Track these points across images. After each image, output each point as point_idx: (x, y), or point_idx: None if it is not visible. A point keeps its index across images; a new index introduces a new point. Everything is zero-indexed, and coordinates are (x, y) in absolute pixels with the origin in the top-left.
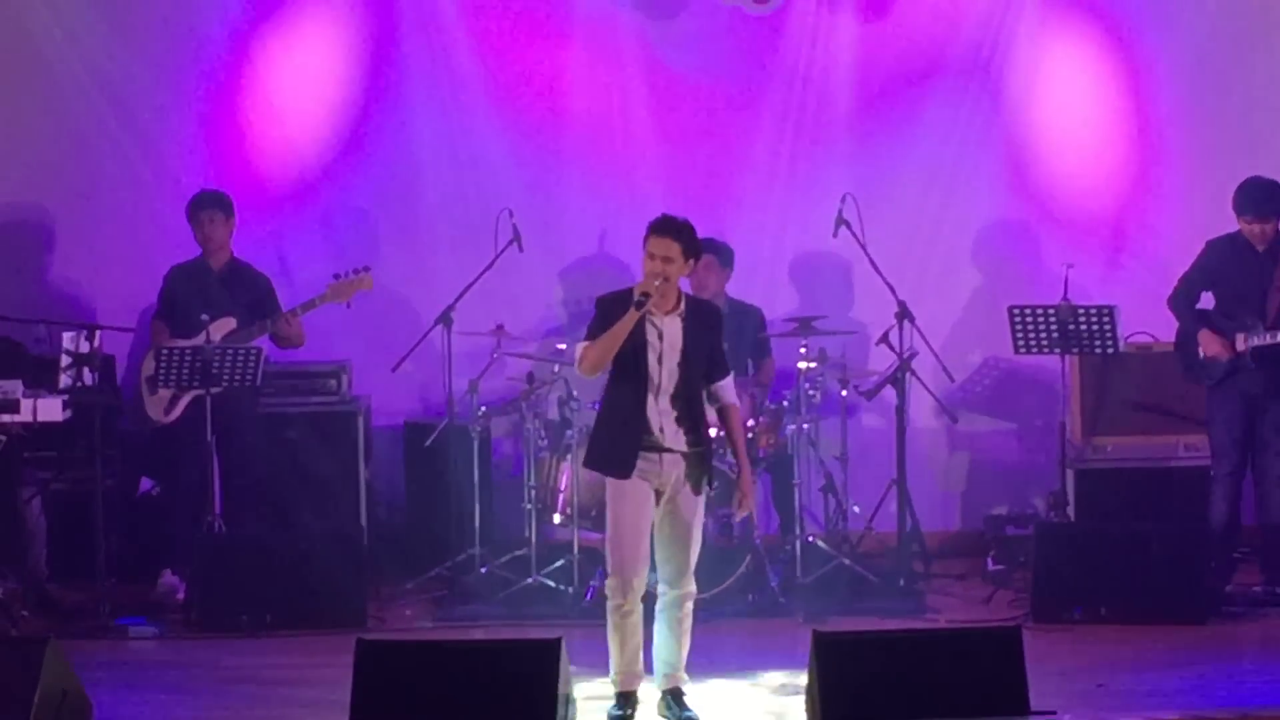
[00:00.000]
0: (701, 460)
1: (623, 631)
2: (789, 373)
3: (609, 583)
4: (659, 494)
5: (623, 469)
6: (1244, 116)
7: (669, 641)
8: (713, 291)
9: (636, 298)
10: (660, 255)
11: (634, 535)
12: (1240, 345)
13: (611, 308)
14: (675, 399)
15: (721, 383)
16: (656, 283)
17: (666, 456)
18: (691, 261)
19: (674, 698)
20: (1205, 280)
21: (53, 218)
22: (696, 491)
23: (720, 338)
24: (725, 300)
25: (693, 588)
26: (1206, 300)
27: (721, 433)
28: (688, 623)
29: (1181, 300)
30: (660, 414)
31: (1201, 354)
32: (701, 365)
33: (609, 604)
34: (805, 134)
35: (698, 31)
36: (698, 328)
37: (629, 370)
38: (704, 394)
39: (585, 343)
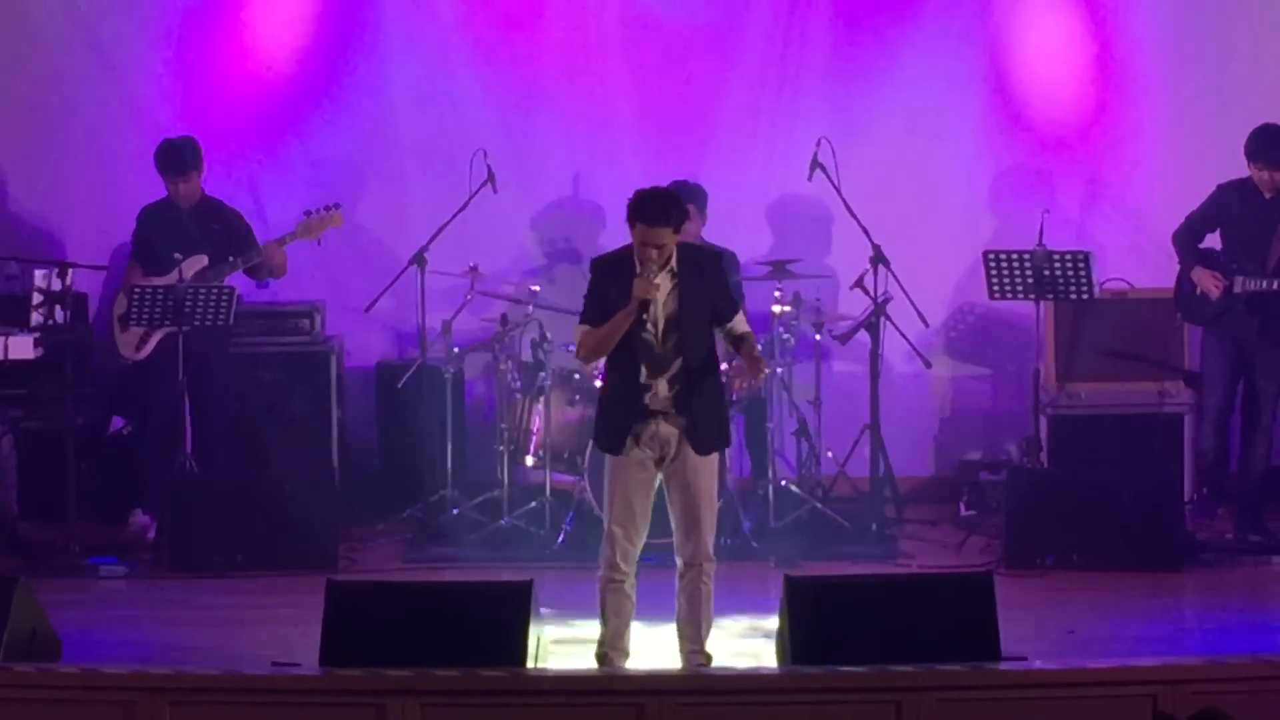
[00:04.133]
0: (705, 419)
1: (608, 604)
2: (763, 316)
3: (601, 551)
4: (661, 460)
5: (613, 447)
6: (1222, 65)
7: (690, 616)
8: (692, 237)
9: (639, 306)
10: (654, 244)
11: (626, 509)
12: (1238, 288)
13: (607, 275)
14: (673, 358)
15: (733, 320)
16: (655, 279)
17: (664, 419)
18: (684, 227)
19: None
20: (1210, 222)
21: (25, 155)
22: (702, 453)
23: (722, 278)
24: (700, 243)
25: (709, 560)
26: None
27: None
28: (707, 596)
29: (1184, 238)
30: (657, 377)
31: (1199, 291)
32: (703, 315)
33: (599, 573)
34: (782, 76)
35: None
36: (692, 277)
37: (622, 343)
38: (718, 337)
39: (583, 328)
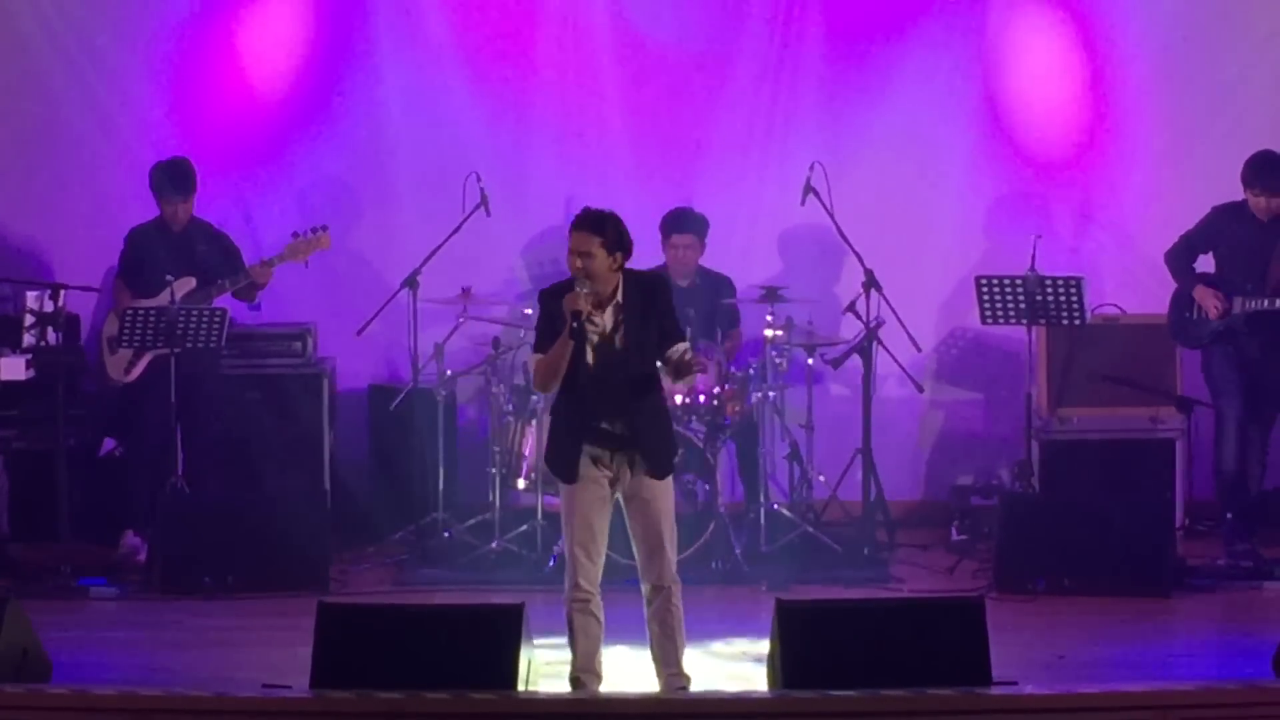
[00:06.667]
0: (657, 444)
1: (577, 625)
2: (755, 341)
3: (565, 573)
4: (617, 483)
5: (567, 475)
6: (1215, 91)
7: (662, 641)
8: (692, 266)
9: (570, 321)
10: (578, 251)
11: (585, 529)
12: (1238, 309)
13: (554, 304)
14: (621, 385)
15: (674, 346)
16: (584, 290)
17: (618, 440)
18: (619, 254)
19: None
20: (1206, 243)
21: (17, 177)
22: (657, 476)
23: (668, 304)
24: (696, 269)
25: (673, 582)
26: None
27: (688, 399)
28: (678, 618)
29: (1178, 258)
30: (607, 405)
31: (1194, 315)
32: (649, 342)
33: (564, 596)
34: (775, 100)
35: None
36: (639, 305)
37: (569, 374)
38: (659, 365)
39: (535, 356)
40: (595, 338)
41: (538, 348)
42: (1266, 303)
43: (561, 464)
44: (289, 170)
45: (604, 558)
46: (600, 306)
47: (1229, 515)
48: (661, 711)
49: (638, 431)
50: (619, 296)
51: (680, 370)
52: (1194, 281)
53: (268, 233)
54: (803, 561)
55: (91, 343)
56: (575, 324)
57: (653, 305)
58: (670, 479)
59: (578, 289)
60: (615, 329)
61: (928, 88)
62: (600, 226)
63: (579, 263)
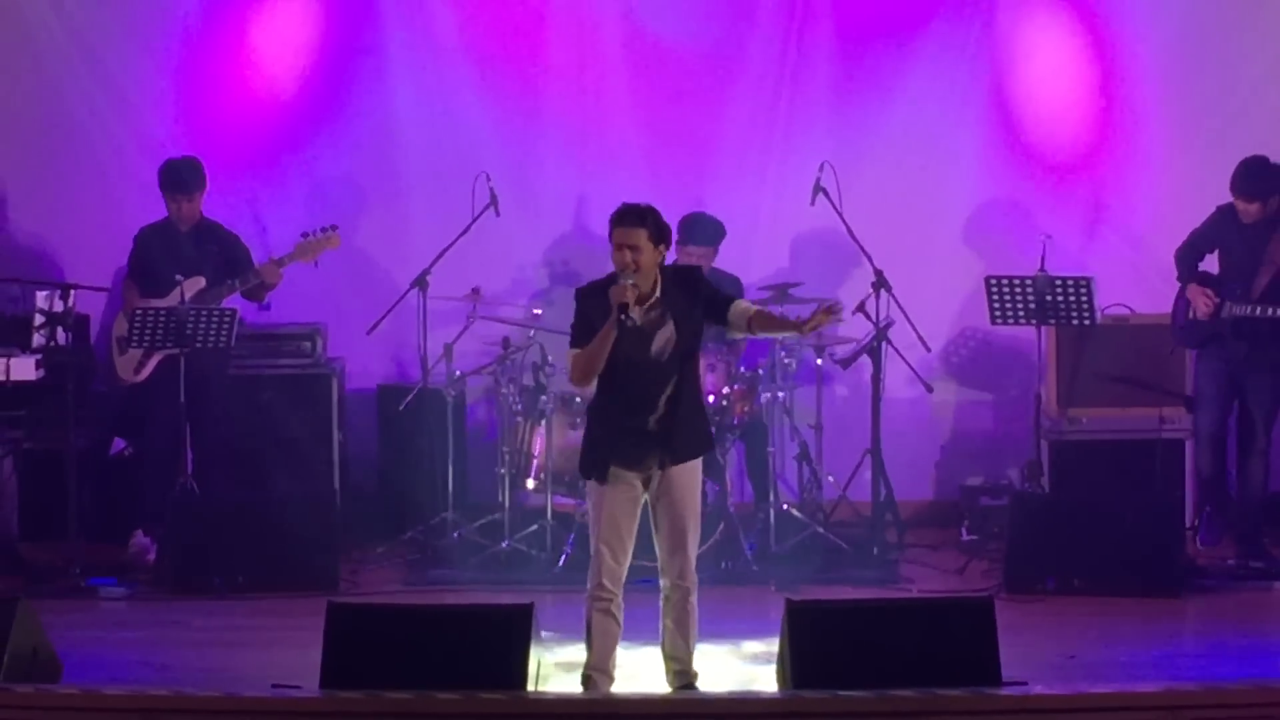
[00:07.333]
0: (689, 434)
1: (595, 624)
2: (764, 341)
3: (589, 571)
4: (648, 480)
5: (599, 474)
6: (1223, 91)
7: (675, 637)
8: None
9: (616, 310)
10: (627, 245)
11: (612, 528)
12: (1225, 313)
13: (591, 302)
14: (661, 380)
15: (731, 309)
16: (630, 282)
17: (652, 439)
18: (662, 247)
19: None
20: (1209, 242)
21: (28, 177)
22: (682, 460)
23: (703, 283)
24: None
25: (694, 580)
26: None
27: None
28: (693, 616)
29: (1185, 256)
30: (647, 399)
31: (1192, 315)
32: (693, 333)
33: (587, 591)
34: (785, 100)
35: None
36: (679, 298)
37: (609, 370)
38: (724, 336)
39: (573, 351)
40: (635, 324)
41: (575, 344)
42: (1251, 309)
43: (595, 463)
44: (298, 170)
45: (629, 559)
46: (641, 302)
47: (1207, 509)
48: (671, 712)
49: (674, 425)
50: (658, 291)
51: (795, 327)
52: (1189, 280)
53: (277, 232)
54: (812, 561)
55: (101, 343)
56: (623, 315)
57: (696, 292)
58: (698, 481)
59: (623, 281)
60: (656, 324)
61: (937, 88)
62: (643, 219)
63: (629, 256)
